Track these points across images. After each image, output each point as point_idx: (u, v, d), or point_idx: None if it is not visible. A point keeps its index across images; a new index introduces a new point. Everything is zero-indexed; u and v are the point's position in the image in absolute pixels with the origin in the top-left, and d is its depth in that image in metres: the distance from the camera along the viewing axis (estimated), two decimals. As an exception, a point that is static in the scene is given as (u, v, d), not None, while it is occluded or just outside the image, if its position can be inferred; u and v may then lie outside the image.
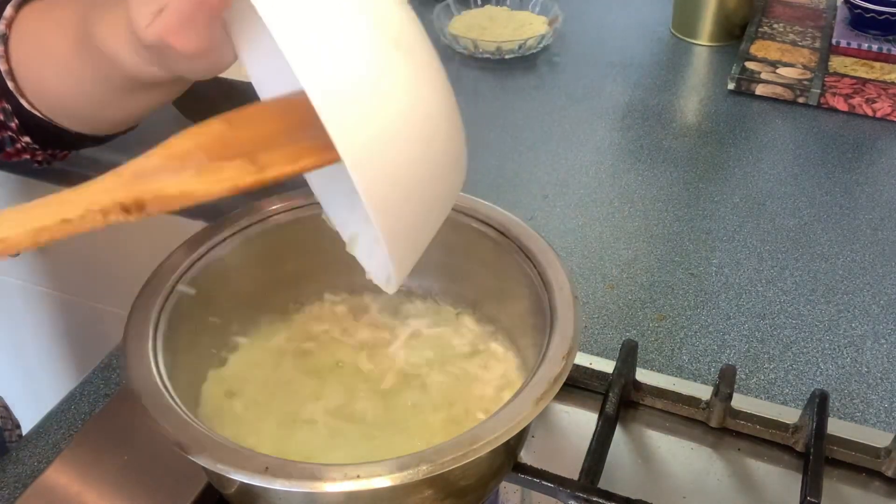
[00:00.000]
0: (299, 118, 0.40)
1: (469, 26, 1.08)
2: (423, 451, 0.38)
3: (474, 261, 0.54)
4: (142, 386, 0.42)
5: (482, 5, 1.13)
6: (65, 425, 0.59)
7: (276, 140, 0.41)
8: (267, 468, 0.38)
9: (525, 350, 0.51)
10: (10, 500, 0.53)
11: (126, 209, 0.38)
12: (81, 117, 0.54)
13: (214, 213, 0.83)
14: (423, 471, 0.37)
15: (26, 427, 0.59)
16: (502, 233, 0.52)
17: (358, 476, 0.37)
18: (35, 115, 0.53)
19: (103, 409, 0.59)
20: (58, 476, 0.54)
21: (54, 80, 0.51)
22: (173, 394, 0.42)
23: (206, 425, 0.42)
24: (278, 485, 0.37)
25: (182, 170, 0.39)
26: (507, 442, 0.39)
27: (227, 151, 0.40)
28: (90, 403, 0.60)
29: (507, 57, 1.05)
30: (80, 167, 0.87)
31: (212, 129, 0.41)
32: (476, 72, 1.04)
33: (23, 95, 0.52)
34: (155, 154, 0.41)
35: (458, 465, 0.38)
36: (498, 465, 0.46)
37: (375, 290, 0.58)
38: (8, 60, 0.51)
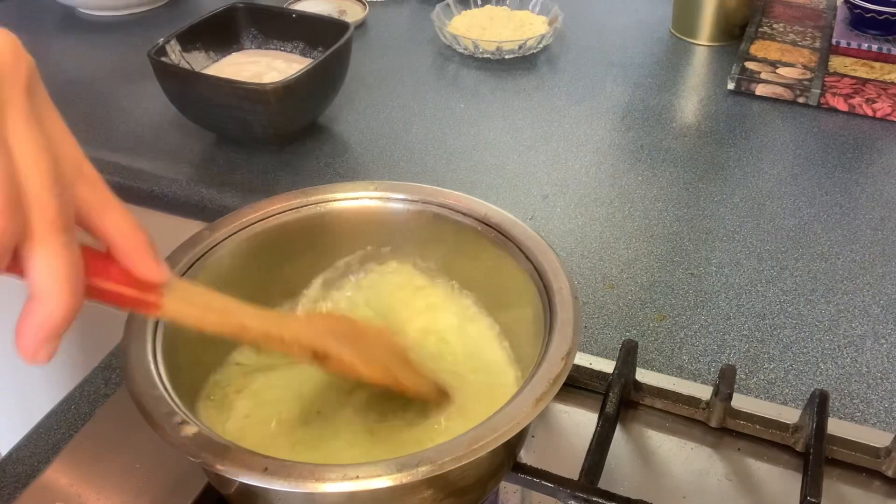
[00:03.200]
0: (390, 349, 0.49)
1: (469, 26, 1.08)
2: (422, 452, 0.38)
3: (474, 261, 0.54)
4: (141, 386, 0.42)
5: (482, 5, 1.13)
6: (65, 425, 0.59)
7: (389, 358, 0.48)
8: (266, 468, 0.38)
9: (525, 350, 0.51)
10: (10, 500, 0.53)
11: (315, 355, 0.43)
12: None
13: (214, 213, 0.83)
14: (422, 471, 0.37)
15: (25, 428, 0.59)
16: (502, 233, 0.52)
17: (357, 476, 0.37)
18: None
19: (103, 409, 0.59)
20: (58, 476, 0.54)
21: None
22: (173, 394, 0.42)
23: (206, 426, 0.42)
24: (277, 485, 0.37)
25: (345, 346, 0.45)
26: (507, 442, 0.39)
27: (358, 347, 0.47)
28: (90, 403, 0.60)
29: (507, 57, 1.05)
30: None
31: (344, 323, 0.48)
32: (476, 72, 1.04)
33: None
34: (319, 320, 0.47)
35: (458, 465, 0.38)
36: (497, 465, 0.47)
37: (376, 291, 0.58)
38: None
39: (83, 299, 0.33)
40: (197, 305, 0.39)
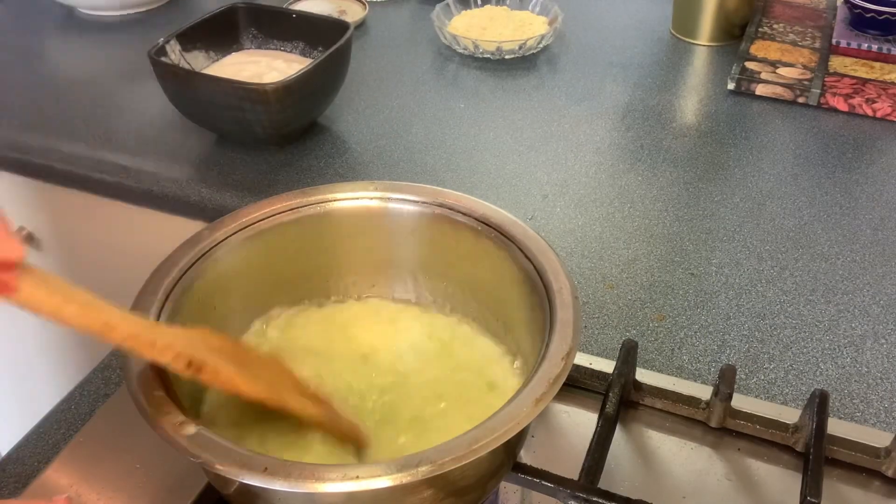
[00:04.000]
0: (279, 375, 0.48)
1: (469, 26, 1.08)
2: (422, 452, 0.38)
3: (473, 261, 0.54)
4: (141, 386, 0.42)
5: (482, 5, 1.13)
6: (65, 425, 0.59)
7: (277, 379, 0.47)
8: (266, 468, 0.38)
9: (525, 350, 0.51)
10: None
11: (190, 365, 0.41)
12: None
13: (214, 213, 0.83)
14: (422, 471, 0.37)
15: (24, 428, 0.59)
16: (502, 233, 0.52)
17: (357, 476, 0.37)
18: None
19: (103, 409, 0.59)
20: (58, 476, 0.54)
21: None
22: (173, 394, 0.42)
23: (206, 426, 0.42)
24: (277, 485, 0.37)
25: (227, 360, 0.44)
26: (507, 442, 0.39)
27: (244, 364, 0.46)
28: (90, 403, 0.60)
29: (507, 57, 1.05)
30: (82, 168, 0.87)
31: (229, 341, 0.47)
32: (476, 72, 1.04)
33: None
34: (201, 334, 0.45)
35: (458, 465, 0.38)
36: (497, 465, 0.46)
37: (375, 291, 0.58)
38: None
39: None
40: (57, 294, 0.37)
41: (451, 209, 0.53)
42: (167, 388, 0.43)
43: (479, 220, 0.53)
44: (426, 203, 0.54)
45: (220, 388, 0.44)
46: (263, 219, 0.54)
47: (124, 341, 0.40)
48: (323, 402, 0.48)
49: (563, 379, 0.42)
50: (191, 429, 0.40)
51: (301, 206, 0.54)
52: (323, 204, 0.55)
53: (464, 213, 0.53)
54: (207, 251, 0.51)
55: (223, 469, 0.38)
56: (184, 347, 0.41)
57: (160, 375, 0.43)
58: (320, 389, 0.49)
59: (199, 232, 0.52)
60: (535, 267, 0.49)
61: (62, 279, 0.39)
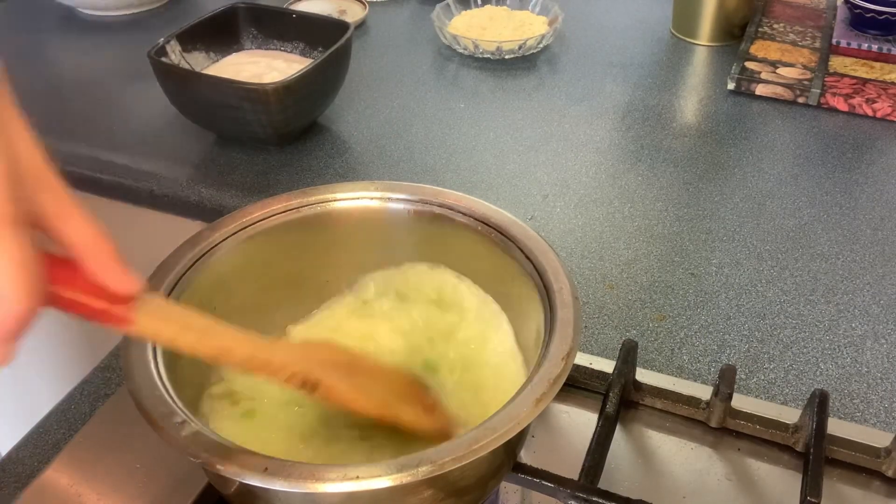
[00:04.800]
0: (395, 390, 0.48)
1: (469, 26, 1.08)
2: (422, 452, 0.38)
3: (474, 261, 0.54)
4: (141, 386, 0.42)
5: (482, 5, 1.13)
6: (65, 425, 0.59)
7: (389, 393, 0.47)
8: (266, 468, 0.38)
9: (525, 350, 0.51)
10: (10, 500, 0.53)
11: (305, 384, 0.42)
12: None
13: (214, 213, 0.83)
14: (422, 472, 0.37)
15: (24, 428, 0.59)
16: (502, 233, 0.52)
17: (357, 477, 0.37)
18: None
19: (103, 409, 0.59)
20: (58, 476, 0.54)
21: None
22: (173, 394, 0.42)
23: (206, 425, 0.42)
24: (278, 485, 0.37)
25: (340, 377, 0.44)
26: (507, 442, 0.39)
27: (355, 379, 0.46)
28: (90, 403, 0.60)
29: (507, 57, 1.05)
30: (82, 168, 0.87)
31: (343, 354, 0.47)
32: (476, 72, 1.04)
33: None
34: (314, 349, 0.46)
35: (458, 465, 0.38)
36: (498, 465, 0.46)
37: (376, 291, 0.58)
38: None
39: (40, 303, 0.31)
40: (173, 322, 0.38)
41: (451, 209, 0.53)
42: (167, 387, 0.43)
43: (479, 220, 0.53)
44: (426, 203, 0.54)
45: (334, 405, 0.44)
46: (264, 219, 0.54)
47: (241, 364, 0.41)
48: (437, 412, 0.48)
49: (564, 379, 0.42)
50: (191, 429, 0.40)
51: (301, 206, 0.54)
52: (323, 204, 0.55)
53: (464, 213, 0.53)
54: (208, 251, 0.51)
55: (223, 469, 0.38)
56: (298, 366, 0.42)
57: (160, 375, 0.43)
58: (437, 397, 0.49)
59: (199, 232, 0.52)
60: (535, 267, 0.49)
61: (178, 306, 0.40)
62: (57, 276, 0.33)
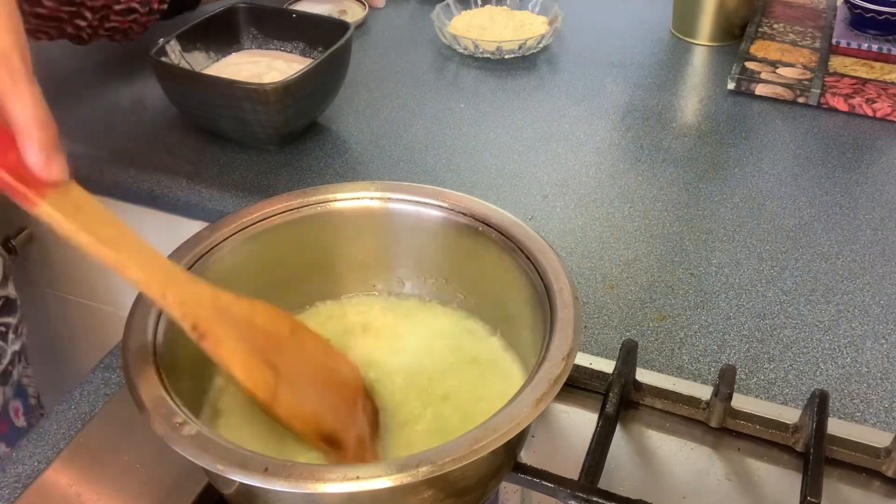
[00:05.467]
0: (332, 385, 0.46)
1: (469, 26, 1.08)
2: (422, 452, 0.38)
3: (474, 262, 0.54)
4: (141, 387, 0.42)
5: (482, 5, 1.13)
6: (65, 425, 0.59)
7: (300, 382, 0.45)
8: (266, 469, 0.38)
9: (525, 351, 0.51)
10: (10, 500, 0.53)
11: (195, 328, 0.41)
12: None
13: (214, 213, 0.83)
14: (422, 472, 0.37)
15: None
16: (502, 233, 0.52)
17: (357, 477, 0.37)
18: None
19: (103, 409, 0.59)
20: (58, 476, 0.54)
21: None
22: (173, 394, 0.42)
23: (207, 426, 0.42)
24: (278, 485, 0.37)
25: (242, 340, 0.42)
26: (508, 442, 0.39)
27: (274, 355, 0.44)
28: (90, 403, 0.60)
29: (507, 57, 1.05)
30: (82, 168, 0.87)
31: (282, 327, 0.45)
32: (476, 72, 1.04)
33: None
34: (243, 306, 0.44)
35: (458, 465, 0.38)
36: (498, 466, 0.46)
37: (376, 292, 0.58)
38: None
39: None
40: (81, 218, 0.38)
41: (451, 209, 0.53)
42: (167, 388, 0.43)
43: (479, 220, 0.52)
44: (427, 203, 0.54)
45: (216, 362, 0.42)
46: (264, 219, 0.54)
47: (136, 284, 0.40)
48: (354, 431, 0.46)
49: (564, 379, 0.42)
50: (191, 429, 0.40)
51: (301, 207, 0.54)
52: (323, 204, 0.55)
53: (464, 214, 0.53)
54: (208, 251, 0.51)
55: (223, 469, 0.38)
56: (194, 309, 0.41)
57: (161, 375, 0.43)
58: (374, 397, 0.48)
59: (199, 232, 0.52)
60: (535, 267, 0.49)
61: (101, 206, 0.39)
62: None
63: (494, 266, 0.52)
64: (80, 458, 0.55)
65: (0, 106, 0.35)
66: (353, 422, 0.47)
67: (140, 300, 0.47)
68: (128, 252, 0.40)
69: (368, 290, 0.58)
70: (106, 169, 0.87)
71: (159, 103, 0.92)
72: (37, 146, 0.36)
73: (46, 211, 0.37)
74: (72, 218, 0.38)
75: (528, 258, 0.50)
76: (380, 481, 0.37)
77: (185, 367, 0.46)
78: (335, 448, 0.45)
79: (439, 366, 0.53)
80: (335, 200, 0.55)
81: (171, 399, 0.42)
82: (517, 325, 0.52)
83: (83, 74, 1.05)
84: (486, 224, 0.52)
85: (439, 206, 0.54)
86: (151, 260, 0.41)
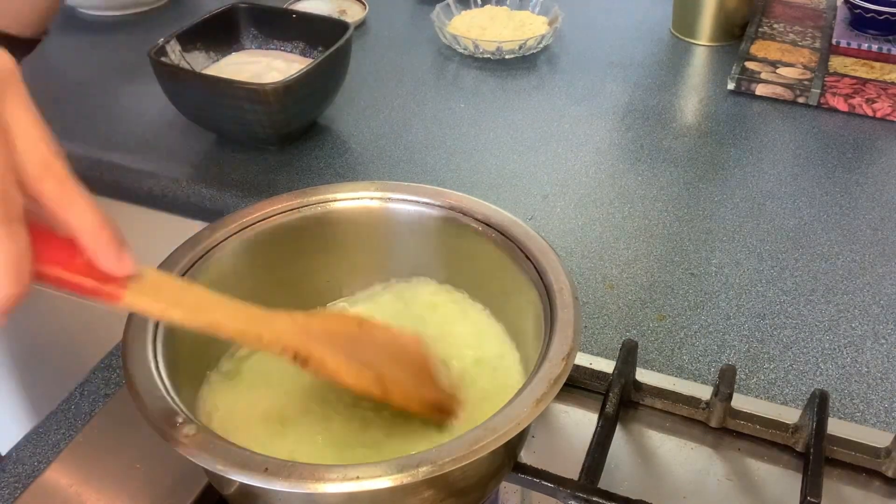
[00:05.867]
0: (410, 362, 0.49)
1: (469, 26, 1.08)
2: (422, 453, 0.38)
3: (474, 262, 0.54)
4: (141, 386, 0.42)
5: (482, 5, 1.13)
6: (65, 425, 0.59)
7: (391, 368, 0.47)
8: (266, 469, 0.38)
9: (525, 351, 0.51)
10: (10, 500, 0.53)
11: (297, 357, 0.43)
12: None
13: (214, 213, 0.83)
14: (422, 472, 0.37)
15: (24, 428, 0.59)
16: (502, 233, 0.52)
17: (357, 477, 0.37)
18: None
19: (103, 409, 0.59)
20: (58, 476, 0.54)
21: None
22: (173, 394, 0.42)
23: (206, 426, 0.42)
24: (278, 485, 0.37)
25: (336, 350, 0.45)
26: (508, 442, 0.39)
27: (359, 353, 0.46)
28: (90, 403, 0.60)
29: (507, 57, 1.05)
30: (82, 168, 0.87)
31: (351, 325, 0.48)
32: (476, 72, 1.04)
33: None
34: (317, 320, 0.46)
35: (458, 466, 0.38)
36: (498, 466, 0.47)
37: (374, 293, 0.58)
38: None
39: (27, 288, 0.34)
40: (163, 298, 0.39)
41: (451, 209, 0.53)
42: (167, 387, 0.43)
43: (479, 221, 0.52)
44: (427, 203, 0.54)
45: (326, 378, 0.45)
46: (264, 219, 0.54)
47: (232, 338, 0.42)
48: (441, 394, 0.48)
49: (564, 379, 0.42)
50: (191, 429, 0.40)
51: (301, 207, 0.54)
52: (323, 204, 0.55)
53: (464, 214, 0.53)
54: (208, 251, 0.51)
55: (223, 469, 0.38)
56: (290, 339, 0.43)
57: (160, 375, 0.43)
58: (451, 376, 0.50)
59: (199, 232, 0.52)
60: (535, 267, 0.49)
61: (172, 278, 0.41)
62: (53, 257, 0.36)
63: (494, 266, 0.52)
64: (80, 458, 0.55)
65: (54, 216, 0.36)
66: (444, 385, 0.49)
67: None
68: (214, 311, 0.41)
69: (368, 290, 0.58)
70: (106, 169, 0.87)
71: (159, 103, 0.92)
72: (105, 249, 0.36)
73: (132, 302, 0.38)
74: (156, 299, 0.39)
75: (529, 258, 0.50)
76: (379, 481, 0.37)
77: (184, 367, 0.46)
78: (446, 414, 0.48)
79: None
80: (335, 200, 0.55)
81: (172, 399, 0.42)
82: (517, 326, 0.52)
83: (83, 75, 1.05)
84: (486, 224, 0.52)
85: (439, 206, 0.54)
86: (236, 311, 0.42)
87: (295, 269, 0.56)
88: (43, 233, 0.35)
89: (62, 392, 0.62)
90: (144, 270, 0.39)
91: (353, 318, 0.50)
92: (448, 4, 1.12)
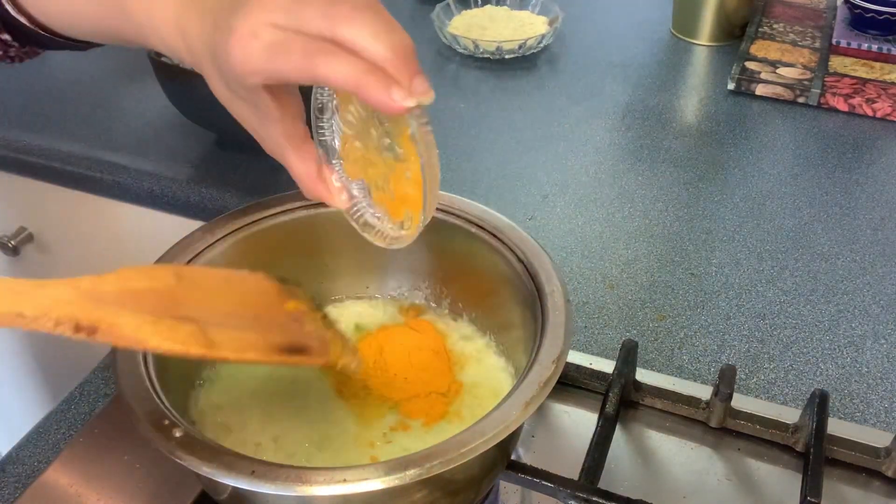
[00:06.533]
0: (250, 305, 0.43)
1: (469, 26, 1.08)
2: (411, 455, 0.38)
3: (467, 263, 0.53)
4: (132, 389, 0.42)
5: (482, 5, 1.13)
6: (65, 425, 0.59)
7: (223, 318, 0.41)
8: (253, 472, 0.37)
9: (517, 353, 0.51)
10: (10, 500, 0.53)
11: (79, 328, 0.36)
12: (77, 33, 0.52)
13: (214, 213, 0.83)
14: (410, 475, 0.37)
15: (24, 429, 0.59)
16: (496, 235, 0.51)
17: (345, 480, 0.37)
18: (23, 23, 0.51)
19: (103, 410, 0.59)
20: (58, 476, 0.54)
21: (60, 7, 0.50)
22: (163, 397, 0.42)
23: (197, 429, 0.42)
24: (265, 488, 0.37)
25: (138, 311, 0.38)
26: (499, 444, 0.39)
27: (177, 308, 0.40)
28: (90, 403, 0.60)
29: (507, 57, 1.05)
30: (82, 168, 0.87)
31: (165, 278, 0.42)
32: (476, 72, 1.04)
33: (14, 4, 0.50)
34: (111, 280, 0.40)
35: (446, 468, 0.38)
36: (489, 467, 0.46)
37: (373, 293, 0.58)
38: None
39: None
40: None
41: (445, 211, 0.53)
42: (157, 390, 0.42)
43: (472, 223, 0.52)
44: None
45: (127, 345, 0.38)
46: (257, 220, 0.53)
47: (31, 326, 0.36)
48: (306, 332, 0.43)
49: (554, 382, 0.42)
50: (179, 431, 0.39)
51: (296, 208, 0.54)
52: (316, 206, 0.55)
53: (458, 216, 0.53)
54: (200, 252, 0.51)
55: (210, 472, 0.38)
56: (65, 310, 0.36)
57: (150, 378, 0.43)
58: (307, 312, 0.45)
59: (192, 233, 0.52)
60: (527, 269, 0.49)
61: None
62: None
63: (487, 268, 0.52)
64: (80, 458, 0.55)
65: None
66: (300, 326, 0.44)
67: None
68: None
69: (362, 292, 0.58)
70: (106, 169, 0.87)
71: (159, 103, 0.92)
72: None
73: None
74: None
75: (522, 260, 0.50)
76: (367, 484, 0.37)
77: (175, 370, 0.46)
78: (303, 355, 0.42)
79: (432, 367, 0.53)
80: None
81: (161, 402, 0.41)
82: (510, 326, 0.52)
83: (84, 75, 1.05)
84: (479, 226, 0.52)
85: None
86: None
87: (288, 271, 0.55)
88: None
89: (62, 392, 0.62)
90: None
91: (167, 270, 0.43)
92: (448, 4, 1.12)
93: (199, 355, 0.39)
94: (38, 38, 0.54)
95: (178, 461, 0.39)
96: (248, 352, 0.40)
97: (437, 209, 0.53)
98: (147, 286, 0.40)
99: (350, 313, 0.57)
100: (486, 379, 0.52)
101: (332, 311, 0.57)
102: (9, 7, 0.51)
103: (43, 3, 0.51)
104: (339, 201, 0.46)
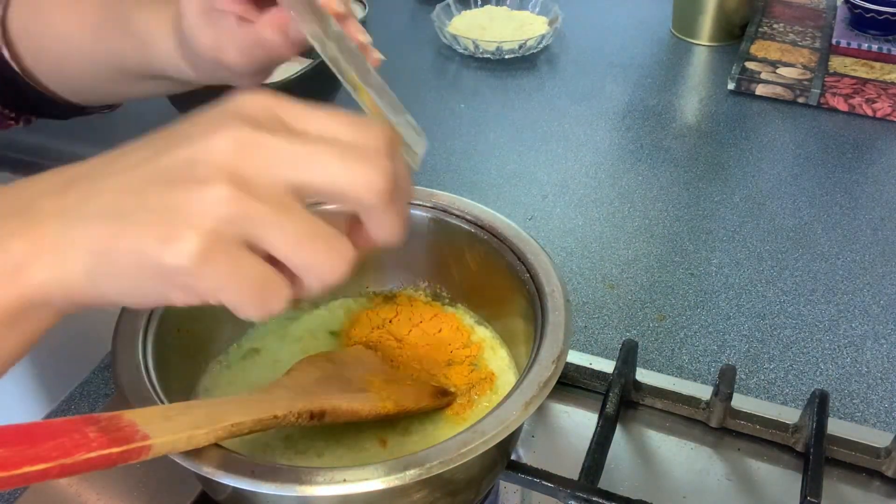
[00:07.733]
0: (378, 371, 0.50)
1: (469, 26, 1.08)
2: (410, 456, 0.38)
3: (467, 264, 0.53)
4: (130, 389, 0.42)
5: (482, 5, 1.13)
6: (64, 426, 0.59)
7: (373, 382, 0.48)
8: (253, 472, 0.37)
9: (517, 353, 0.51)
10: (10, 500, 0.53)
11: (313, 416, 0.42)
12: (79, 90, 0.53)
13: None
14: (409, 475, 0.37)
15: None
16: (495, 235, 0.51)
17: (344, 480, 0.37)
18: (26, 85, 0.51)
19: (103, 410, 0.59)
20: (57, 476, 0.54)
21: (60, 54, 0.50)
22: (163, 397, 0.42)
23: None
24: (265, 489, 0.37)
25: (335, 392, 0.45)
26: (498, 444, 0.39)
27: (348, 385, 0.46)
28: (90, 403, 0.60)
29: (507, 57, 1.05)
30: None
31: (325, 365, 0.48)
32: (476, 72, 1.04)
33: (18, 63, 0.51)
34: (298, 377, 0.46)
35: (446, 469, 0.38)
36: (489, 467, 0.46)
37: (372, 294, 0.58)
38: (4, 25, 0.50)
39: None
40: (180, 429, 0.37)
41: (444, 211, 0.53)
42: (157, 390, 0.42)
43: (472, 223, 0.52)
44: (420, 205, 0.54)
45: (346, 420, 0.44)
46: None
47: (254, 430, 0.40)
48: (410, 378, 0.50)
49: (554, 382, 0.42)
50: None
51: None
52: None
53: (457, 216, 0.53)
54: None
55: (209, 472, 0.38)
56: (300, 405, 0.42)
57: (149, 378, 0.43)
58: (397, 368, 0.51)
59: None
60: (527, 269, 0.49)
61: (168, 407, 0.39)
62: (74, 447, 0.32)
63: (487, 268, 0.52)
64: (80, 459, 0.55)
65: None
66: (413, 380, 0.50)
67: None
68: (228, 416, 0.39)
69: (360, 292, 0.58)
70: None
71: (159, 103, 0.92)
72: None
73: (160, 446, 0.35)
74: (175, 431, 0.37)
75: (521, 260, 0.49)
76: (367, 484, 0.37)
77: (174, 370, 0.46)
78: (447, 397, 0.49)
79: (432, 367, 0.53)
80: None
81: (161, 402, 0.41)
82: (509, 328, 0.52)
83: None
84: (479, 226, 0.52)
85: (432, 208, 0.54)
86: (244, 406, 0.40)
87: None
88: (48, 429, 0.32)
89: (62, 392, 0.62)
90: (133, 414, 0.36)
91: (321, 357, 0.49)
92: (448, 4, 1.12)
93: (396, 413, 0.45)
94: (40, 104, 0.54)
95: (179, 461, 0.38)
96: (421, 401, 0.47)
97: (438, 209, 0.53)
98: (320, 374, 0.47)
99: (347, 315, 0.57)
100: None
101: (332, 309, 0.57)
102: (4, 52, 0.51)
103: (38, 58, 0.51)
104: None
